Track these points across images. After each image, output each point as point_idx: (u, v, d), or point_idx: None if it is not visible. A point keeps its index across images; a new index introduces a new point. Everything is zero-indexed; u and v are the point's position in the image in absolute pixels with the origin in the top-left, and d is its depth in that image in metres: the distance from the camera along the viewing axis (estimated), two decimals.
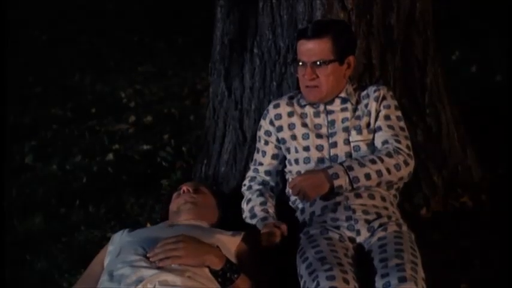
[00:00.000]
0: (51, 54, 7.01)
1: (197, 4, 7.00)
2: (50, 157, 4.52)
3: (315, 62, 2.75)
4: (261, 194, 2.93)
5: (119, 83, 6.00)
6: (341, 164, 2.68)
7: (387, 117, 2.81)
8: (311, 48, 2.75)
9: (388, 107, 2.83)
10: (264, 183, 2.98)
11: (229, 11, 3.37)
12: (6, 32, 6.90)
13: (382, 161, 2.69)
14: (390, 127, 2.80)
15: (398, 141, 2.77)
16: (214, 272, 2.42)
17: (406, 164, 2.73)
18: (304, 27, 2.85)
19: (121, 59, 6.76)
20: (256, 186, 2.97)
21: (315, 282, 2.36)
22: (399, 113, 2.86)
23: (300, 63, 2.79)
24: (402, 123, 2.84)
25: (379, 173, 2.67)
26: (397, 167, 2.71)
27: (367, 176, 2.66)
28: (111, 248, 2.63)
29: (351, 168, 2.66)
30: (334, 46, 2.74)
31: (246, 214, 2.91)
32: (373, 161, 2.68)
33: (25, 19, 7.82)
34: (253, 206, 2.89)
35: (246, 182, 3.02)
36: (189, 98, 5.42)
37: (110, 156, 4.35)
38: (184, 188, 2.87)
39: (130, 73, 6.31)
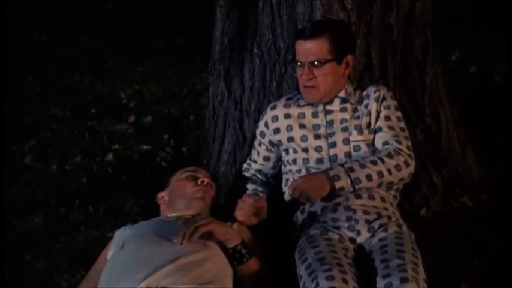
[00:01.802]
0: (51, 54, 7.01)
1: (197, 4, 6.99)
2: (50, 157, 4.52)
3: (312, 62, 2.74)
4: (253, 182, 3.00)
5: (119, 83, 6.00)
6: (341, 165, 2.68)
7: (387, 118, 2.81)
8: (308, 48, 2.74)
9: (388, 107, 2.83)
10: (255, 175, 3.04)
11: (229, 11, 3.37)
12: (6, 32, 6.89)
13: (383, 161, 2.68)
14: (391, 128, 2.80)
15: (399, 142, 2.76)
16: (232, 248, 2.54)
17: (407, 164, 2.73)
18: (302, 27, 2.85)
19: (120, 59, 6.76)
20: (247, 174, 3.05)
21: (314, 283, 2.37)
22: (399, 114, 2.85)
23: (298, 64, 2.79)
24: (402, 124, 2.84)
25: (380, 174, 2.67)
26: (398, 167, 2.70)
27: (369, 177, 2.65)
28: (113, 244, 2.65)
29: (351, 169, 2.65)
30: (331, 46, 2.73)
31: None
32: (374, 162, 2.68)
33: (25, 19, 7.82)
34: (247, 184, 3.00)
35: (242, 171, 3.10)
36: (189, 98, 5.42)
37: (110, 156, 4.35)
38: (206, 180, 2.85)
39: (130, 73, 6.31)
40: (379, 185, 2.70)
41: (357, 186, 2.65)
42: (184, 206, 2.78)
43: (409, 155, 2.75)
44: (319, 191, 2.64)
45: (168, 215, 2.79)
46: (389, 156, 2.70)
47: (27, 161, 4.52)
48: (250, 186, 2.99)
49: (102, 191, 3.84)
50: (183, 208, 2.78)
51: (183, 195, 2.81)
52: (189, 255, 2.43)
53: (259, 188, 2.96)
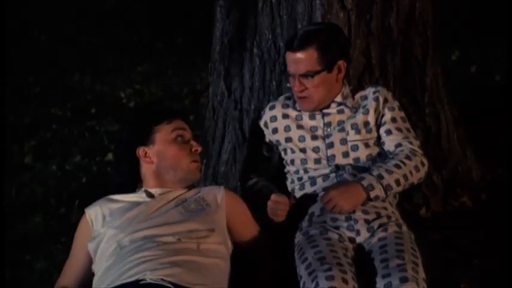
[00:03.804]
0: (51, 54, 7.02)
1: (197, 4, 7.00)
2: (50, 157, 4.53)
3: (302, 74, 2.72)
4: (261, 180, 2.92)
5: (119, 83, 6.01)
6: (370, 173, 2.66)
7: (394, 120, 2.81)
8: (297, 61, 2.71)
9: (392, 109, 2.82)
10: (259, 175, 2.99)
11: (228, 11, 3.37)
12: (6, 32, 6.90)
13: (404, 164, 2.68)
14: (399, 129, 2.80)
15: (411, 143, 2.77)
16: None
17: (423, 164, 2.74)
18: (291, 37, 2.79)
19: (120, 59, 6.76)
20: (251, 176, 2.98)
21: (314, 283, 2.36)
22: (403, 114, 2.86)
23: (290, 74, 2.78)
24: (408, 124, 2.85)
25: (405, 177, 2.67)
26: (417, 168, 2.71)
27: (397, 182, 2.65)
28: (97, 240, 2.56)
29: (381, 176, 2.64)
30: (320, 56, 2.70)
31: (248, 185, 2.92)
32: (398, 166, 2.67)
33: (25, 19, 7.83)
34: (258, 181, 2.90)
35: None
36: (189, 98, 5.43)
37: (110, 156, 4.36)
38: (199, 149, 2.70)
39: (130, 73, 6.32)
40: (403, 188, 2.70)
41: (388, 193, 2.65)
42: (179, 179, 2.65)
43: (422, 155, 2.77)
44: (354, 202, 2.62)
45: (153, 190, 2.64)
46: (408, 158, 2.71)
47: (27, 161, 4.52)
48: (261, 183, 2.90)
49: (102, 191, 3.83)
50: (177, 181, 2.65)
51: (178, 167, 2.64)
52: (191, 254, 2.42)
53: (270, 185, 2.88)
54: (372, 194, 2.62)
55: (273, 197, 2.70)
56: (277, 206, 2.68)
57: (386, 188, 2.63)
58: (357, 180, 2.65)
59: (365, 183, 2.62)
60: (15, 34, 7.35)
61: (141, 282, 2.30)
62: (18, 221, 3.70)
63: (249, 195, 2.86)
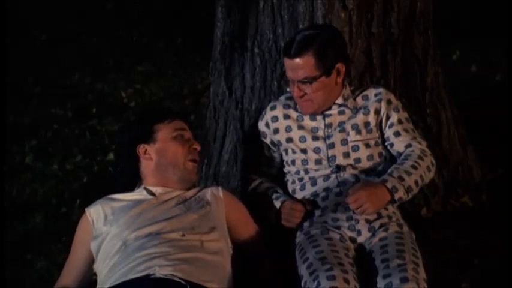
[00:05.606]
0: (51, 54, 7.01)
1: (197, 4, 6.99)
2: (50, 157, 4.53)
3: (300, 80, 2.71)
4: (266, 181, 2.92)
5: (119, 82, 6.00)
6: (391, 175, 2.66)
7: (400, 122, 2.82)
8: (294, 67, 2.71)
9: (397, 110, 2.83)
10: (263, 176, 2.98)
11: (229, 11, 3.37)
12: (6, 32, 6.89)
13: (419, 165, 2.71)
14: (406, 131, 2.82)
15: (420, 143, 2.80)
16: None
17: (433, 164, 2.78)
18: (288, 43, 2.78)
19: (121, 58, 6.76)
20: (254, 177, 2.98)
21: (316, 282, 2.37)
22: (407, 114, 2.87)
23: (289, 79, 2.77)
24: (412, 125, 2.87)
25: (421, 178, 2.70)
26: (429, 169, 2.74)
27: (416, 183, 2.68)
28: (100, 237, 2.57)
29: (402, 178, 2.65)
30: (318, 61, 2.69)
31: (252, 186, 2.90)
32: (414, 167, 2.69)
33: (25, 19, 7.82)
34: (262, 182, 2.90)
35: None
36: (189, 97, 5.42)
37: (111, 156, 4.36)
38: (198, 147, 2.73)
39: (130, 73, 6.31)
40: (419, 189, 2.72)
41: (410, 195, 2.67)
42: (178, 178, 2.67)
43: (431, 155, 2.79)
44: (379, 205, 2.64)
45: (154, 189, 2.66)
46: (421, 158, 2.74)
47: (27, 160, 4.52)
48: (265, 185, 2.90)
49: (103, 191, 3.83)
50: (176, 180, 2.67)
51: (176, 165, 2.68)
52: (196, 251, 2.44)
53: (275, 186, 2.88)
54: (396, 196, 2.63)
55: (288, 204, 2.74)
56: (292, 213, 2.72)
57: (408, 190, 2.65)
58: (381, 182, 2.65)
59: (389, 185, 2.63)
60: (15, 34, 7.34)
61: (151, 276, 2.31)
62: (19, 220, 3.70)
63: (253, 197, 2.87)
